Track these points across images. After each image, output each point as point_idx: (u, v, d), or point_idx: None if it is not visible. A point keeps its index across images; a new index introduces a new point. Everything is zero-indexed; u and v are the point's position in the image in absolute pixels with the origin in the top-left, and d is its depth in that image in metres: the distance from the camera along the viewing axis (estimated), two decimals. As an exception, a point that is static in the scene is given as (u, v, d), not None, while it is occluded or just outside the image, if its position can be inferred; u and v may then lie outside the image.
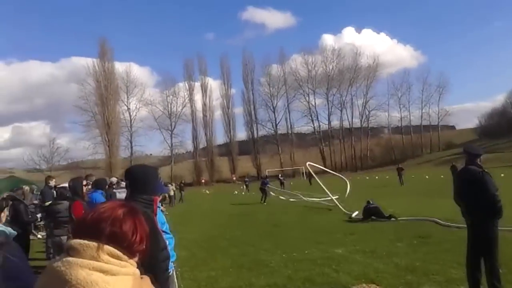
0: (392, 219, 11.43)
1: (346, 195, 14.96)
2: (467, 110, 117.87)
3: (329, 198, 16.91)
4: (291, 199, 22.16)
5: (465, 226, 5.14)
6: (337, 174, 15.92)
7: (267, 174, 47.31)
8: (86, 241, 1.10)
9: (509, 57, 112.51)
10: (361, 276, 5.93)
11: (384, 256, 7.10)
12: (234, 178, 62.57)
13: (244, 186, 39.64)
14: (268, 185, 23.62)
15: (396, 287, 5.29)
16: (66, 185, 6.56)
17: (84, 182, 6.21)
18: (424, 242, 8.08)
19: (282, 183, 34.80)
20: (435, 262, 6.35)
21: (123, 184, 3.86)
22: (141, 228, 1.21)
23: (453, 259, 6.25)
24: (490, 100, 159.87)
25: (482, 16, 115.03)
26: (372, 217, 11.71)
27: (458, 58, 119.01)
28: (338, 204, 15.46)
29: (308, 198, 20.28)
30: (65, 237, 5.85)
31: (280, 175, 41.33)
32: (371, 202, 12.21)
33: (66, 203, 6.19)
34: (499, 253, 4.68)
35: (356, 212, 13.13)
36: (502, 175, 24.72)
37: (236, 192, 37.15)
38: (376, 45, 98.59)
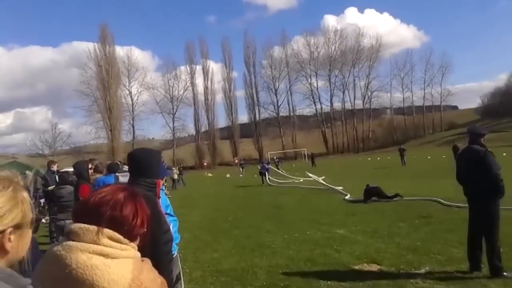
0: (398, 197, 11.47)
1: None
2: (470, 90, 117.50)
3: (319, 178, 17.22)
4: (295, 180, 22.28)
5: (467, 205, 5.16)
6: (331, 186, 16.02)
7: (268, 157, 47.11)
8: (86, 225, 1.10)
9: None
10: (363, 256, 5.99)
11: (386, 236, 7.16)
12: (236, 161, 62.67)
13: (241, 169, 39.91)
14: (269, 170, 23.56)
15: (398, 267, 5.34)
16: (70, 169, 6.56)
17: (90, 166, 6.23)
18: (425, 222, 8.13)
19: (277, 167, 35.06)
20: (436, 242, 6.40)
21: (126, 167, 3.85)
22: (142, 212, 1.20)
23: (455, 238, 6.31)
24: (493, 79, 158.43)
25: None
26: (374, 198, 11.72)
27: (461, 37, 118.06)
28: (327, 184, 15.71)
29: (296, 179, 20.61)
30: (69, 221, 5.89)
31: (275, 157, 41.37)
32: (370, 185, 12.21)
33: (69, 188, 6.23)
34: (500, 232, 4.71)
35: (348, 195, 13.21)
36: (504, 154, 24.68)
37: (229, 175, 37.13)
38: (379, 26, 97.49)
